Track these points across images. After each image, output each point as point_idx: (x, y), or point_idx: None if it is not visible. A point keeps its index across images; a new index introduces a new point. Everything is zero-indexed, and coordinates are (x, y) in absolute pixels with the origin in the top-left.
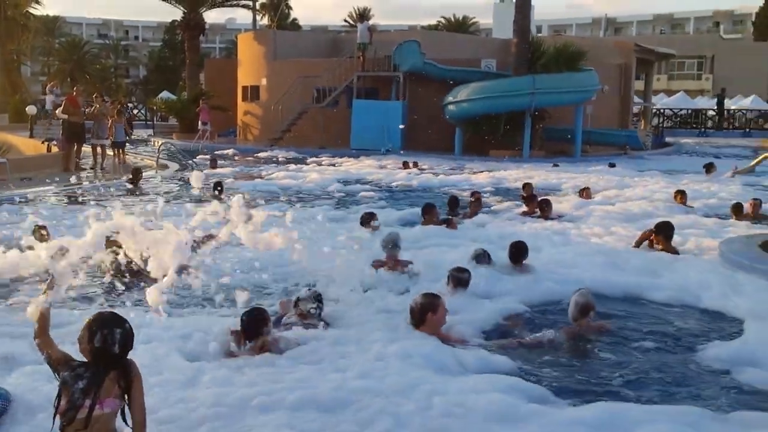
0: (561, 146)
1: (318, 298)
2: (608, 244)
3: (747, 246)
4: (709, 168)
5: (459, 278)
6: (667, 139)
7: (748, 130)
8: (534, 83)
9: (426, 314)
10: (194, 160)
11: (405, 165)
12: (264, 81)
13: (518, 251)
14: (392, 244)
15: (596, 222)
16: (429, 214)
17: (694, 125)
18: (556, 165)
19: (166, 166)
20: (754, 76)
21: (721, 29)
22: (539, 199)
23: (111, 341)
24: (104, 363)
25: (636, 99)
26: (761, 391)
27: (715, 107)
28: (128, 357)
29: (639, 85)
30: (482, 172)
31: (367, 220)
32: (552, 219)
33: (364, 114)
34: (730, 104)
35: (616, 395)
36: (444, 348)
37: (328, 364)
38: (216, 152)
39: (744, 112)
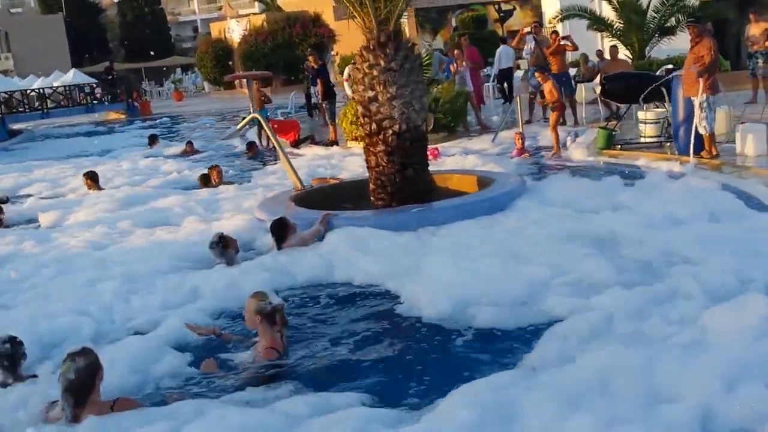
0: None
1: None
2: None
3: (287, 206)
4: (153, 140)
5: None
6: (13, 127)
7: (90, 105)
8: None
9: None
10: None
11: None
12: None
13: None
14: None
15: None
16: None
17: (26, 109)
18: None
19: None
20: (53, 50)
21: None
22: None
23: None
24: None
25: None
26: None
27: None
28: None
29: None
30: None
31: None
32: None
33: None
34: (32, 82)
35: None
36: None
37: None
38: None
39: (42, 90)
